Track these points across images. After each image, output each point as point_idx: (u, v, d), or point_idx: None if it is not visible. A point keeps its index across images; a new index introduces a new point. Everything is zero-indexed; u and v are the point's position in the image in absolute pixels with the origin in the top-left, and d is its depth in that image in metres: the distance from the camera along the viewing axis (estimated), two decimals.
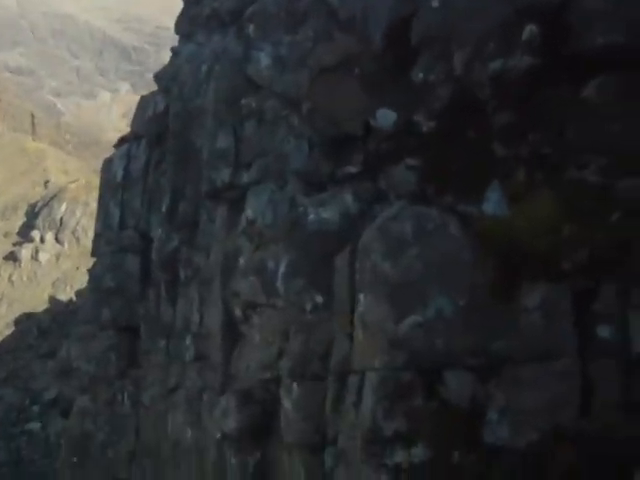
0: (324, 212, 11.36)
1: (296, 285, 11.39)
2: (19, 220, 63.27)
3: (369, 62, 11.34)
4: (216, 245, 14.14)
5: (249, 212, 12.63)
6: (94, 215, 54.87)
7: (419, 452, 9.13)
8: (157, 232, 17.51)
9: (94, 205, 55.68)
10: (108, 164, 20.34)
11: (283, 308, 11.69)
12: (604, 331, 9.07)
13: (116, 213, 19.40)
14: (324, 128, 11.91)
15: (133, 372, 18.21)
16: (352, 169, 11.62)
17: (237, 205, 13.33)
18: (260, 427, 12.15)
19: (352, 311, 10.24)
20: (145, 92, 20.92)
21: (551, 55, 9.76)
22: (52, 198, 62.45)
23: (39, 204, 62.84)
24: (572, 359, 9.10)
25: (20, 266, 59.75)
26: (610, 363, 9.01)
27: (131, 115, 21.35)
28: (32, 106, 74.86)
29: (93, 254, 20.17)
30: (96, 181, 57.86)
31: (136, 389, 17.96)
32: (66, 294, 46.95)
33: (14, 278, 59.39)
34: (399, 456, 9.19)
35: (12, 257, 60.68)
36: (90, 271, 20.25)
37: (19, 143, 69.73)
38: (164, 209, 16.79)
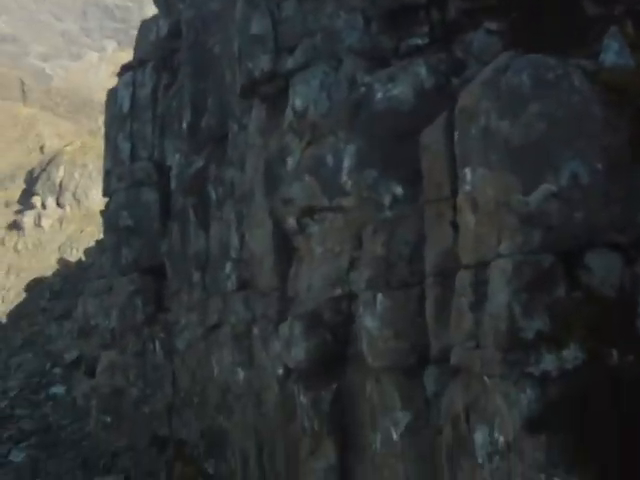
0: (394, 88, 9.14)
1: (367, 177, 9.16)
2: (18, 188, 61.42)
3: None
4: (253, 153, 11.89)
5: (297, 102, 10.25)
6: (92, 177, 53.32)
7: (571, 355, 6.93)
8: (174, 159, 15.44)
9: (91, 167, 54.37)
10: (112, 95, 18.21)
11: (352, 208, 9.46)
12: None
13: (126, 146, 17.36)
14: None
15: (162, 317, 16.10)
16: (419, 41, 9.53)
17: (278, 100, 11.02)
18: (333, 354, 9.93)
19: (453, 194, 8.02)
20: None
21: None
22: (49, 163, 60.49)
23: (37, 170, 60.85)
24: None
25: (24, 234, 58.04)
26: None
27: None
28: (20, 73, 72.69)
29: (105, 194, 18.02)
30: (91, 142, 56.23)
31: (168, 335, 15.91)
32: (73, 258, 44.98)
33: (19, 247, 57.78)
34: (547, 362, 6.98)
35: (15, 226, 59.07)
36: (103, 212, 18.13)
37: (10, 111, 67.68)
38: (185, 126, 14.60)
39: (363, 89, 9.44)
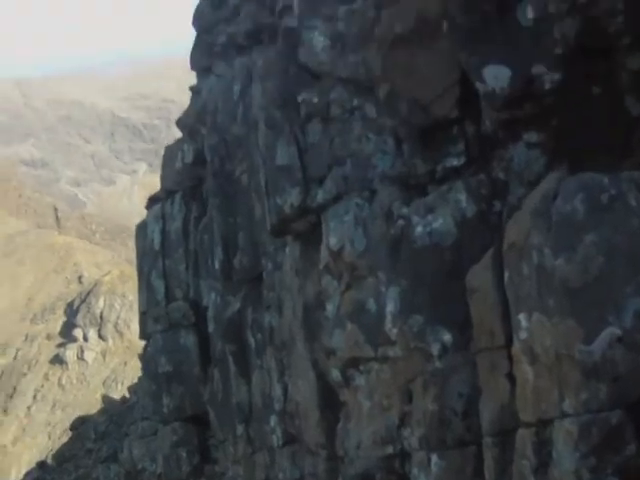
0: (434, 221, 8.72)
1: (414, 324, 8.68)
2: (59, 320, 61.92)
3: (459, 13, 8.69)
4: (289, 296, 11.51)
5: (332, 240, 9.80)
6: (133, 307, 53.57)
7: None
8: (210, 298, 15.12)
9: (132, 297, 54.57)
10: (142, 229, 18.04)
11: (399, 359, 8.98)
12: None
13: (160, 285, 17.16)
14: (410, 115, 9.29)
15: (208, 469, 15.68)
16: (455, 162, 9.06)
17: (311, 237, 10.63)
18: None
19: (508, 343, 7.54)
20: None
21: None
22: (88, 294, 61.00)
23: (76, 301, 61.36)
24: None
25: (68, 368, 58.40)
26: None
27: None
28: (53, 199, 73.87)
29: (142, 336, 17.75)
30: (129, 270, 56.58)
31: None
32: (118, 392, 44.95)
33: (63, 382, 58.01)
34: None
35: (58, 360, 59.43)
36: (142, 356, 17.86)
37: (46, 239, 68.77)
38: (217, 266, 14.32)
39: (401, 222, 9.00)
